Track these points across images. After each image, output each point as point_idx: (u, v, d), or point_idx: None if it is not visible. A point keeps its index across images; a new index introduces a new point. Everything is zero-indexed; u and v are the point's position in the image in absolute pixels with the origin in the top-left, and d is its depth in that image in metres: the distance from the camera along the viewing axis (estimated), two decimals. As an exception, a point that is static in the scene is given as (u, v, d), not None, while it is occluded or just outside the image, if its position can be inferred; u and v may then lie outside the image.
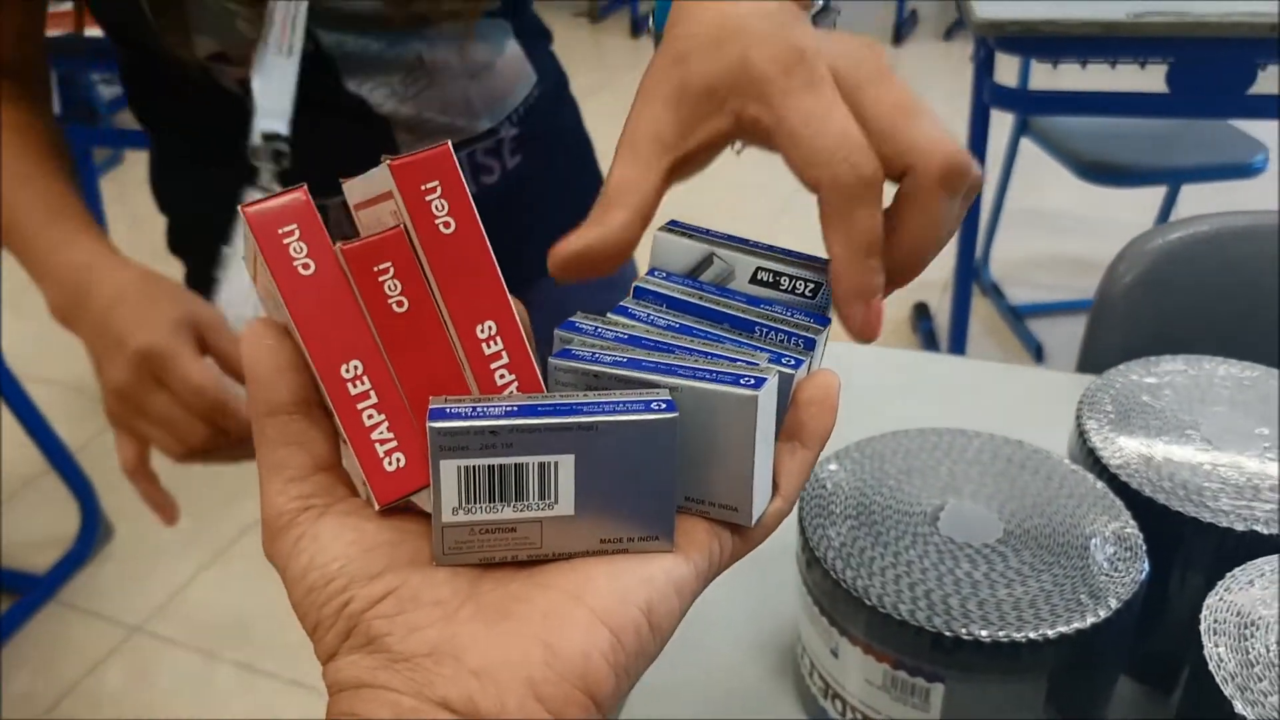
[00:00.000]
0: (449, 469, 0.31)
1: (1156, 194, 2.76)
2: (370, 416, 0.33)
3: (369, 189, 0.35)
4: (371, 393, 0.33)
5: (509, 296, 0.35)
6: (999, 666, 0.53)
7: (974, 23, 1.89)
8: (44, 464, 2.19)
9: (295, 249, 0.33)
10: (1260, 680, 0.49)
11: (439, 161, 0.33)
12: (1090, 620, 0.53)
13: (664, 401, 0.32)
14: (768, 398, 0.34)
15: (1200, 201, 2.70)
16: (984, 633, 0.52)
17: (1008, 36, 1.89)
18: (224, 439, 0.76)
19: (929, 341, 2.65)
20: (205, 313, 0.77)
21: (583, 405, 0.32)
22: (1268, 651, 0.51)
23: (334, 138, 0.83)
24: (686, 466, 0.33)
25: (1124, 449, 0.65)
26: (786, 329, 0.38)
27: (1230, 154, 2.41)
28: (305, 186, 0.33)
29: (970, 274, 2.23)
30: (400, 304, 0.33)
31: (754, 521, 0.35)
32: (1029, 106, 2.44)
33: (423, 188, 0.33)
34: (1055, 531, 0.58)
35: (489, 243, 0.34)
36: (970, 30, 1.96)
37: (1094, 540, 0.57)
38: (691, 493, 0.35)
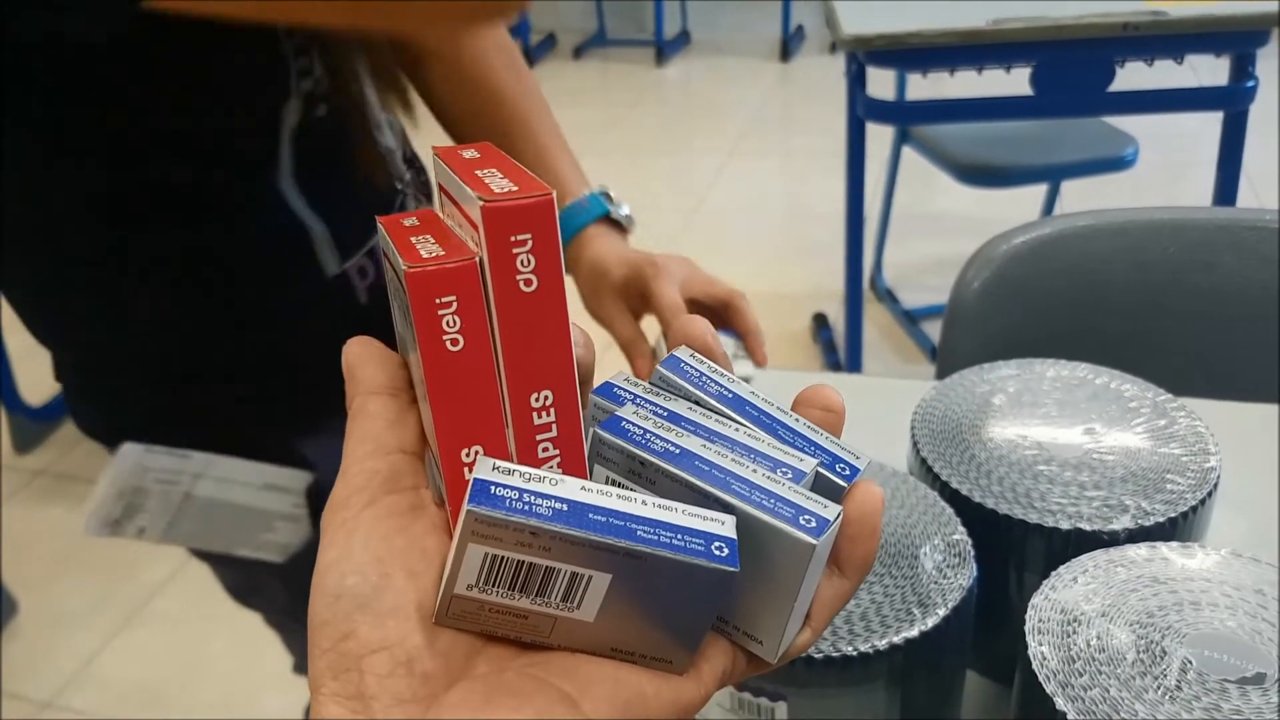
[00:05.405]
0: (476, 553, 0.28)
1: (1040, 191, 2.83)
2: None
3: (456, 189, 0.31)
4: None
5: (575, 371, 0.31)
6: (834, 680, 0.54)
7: (842, 39, 1.94)
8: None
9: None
10: (1081, 675, 0.51)
11: (537, 212, 0.29)
12: (919, 629, 0.54)
13: (727, 543, 0.29)
14: (826, 545, 0.30)
15: (1083, 196, 2.78)
16: (816, 650, 0.53)
17: (875, 50, 1.94)
18: None
19: (829, 350, 2.69)
20: None
21: (637, 527, 0.28)
22: (1089, 646, 0.53)
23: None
24: None
25: (954, 457, 0.67)
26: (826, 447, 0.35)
27: (1103, 149, 2.50)
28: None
29: (860, 284, 2.28)
30: (455, 342, 0.30)
31: (777, 658, 0.32)
32: (901, 117, 2.50)
33: (513, 238, 0.29)
34: (887, 543, 0.60)
35: (567, 308, 0.31)
36: (840, 46, 2.01)
37: (924, 549, 0.59)
38: (721, 612, 0.32)
